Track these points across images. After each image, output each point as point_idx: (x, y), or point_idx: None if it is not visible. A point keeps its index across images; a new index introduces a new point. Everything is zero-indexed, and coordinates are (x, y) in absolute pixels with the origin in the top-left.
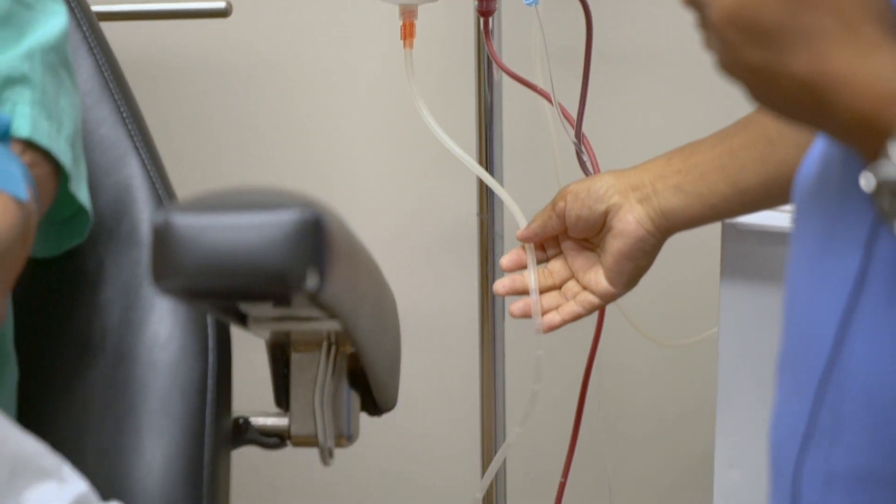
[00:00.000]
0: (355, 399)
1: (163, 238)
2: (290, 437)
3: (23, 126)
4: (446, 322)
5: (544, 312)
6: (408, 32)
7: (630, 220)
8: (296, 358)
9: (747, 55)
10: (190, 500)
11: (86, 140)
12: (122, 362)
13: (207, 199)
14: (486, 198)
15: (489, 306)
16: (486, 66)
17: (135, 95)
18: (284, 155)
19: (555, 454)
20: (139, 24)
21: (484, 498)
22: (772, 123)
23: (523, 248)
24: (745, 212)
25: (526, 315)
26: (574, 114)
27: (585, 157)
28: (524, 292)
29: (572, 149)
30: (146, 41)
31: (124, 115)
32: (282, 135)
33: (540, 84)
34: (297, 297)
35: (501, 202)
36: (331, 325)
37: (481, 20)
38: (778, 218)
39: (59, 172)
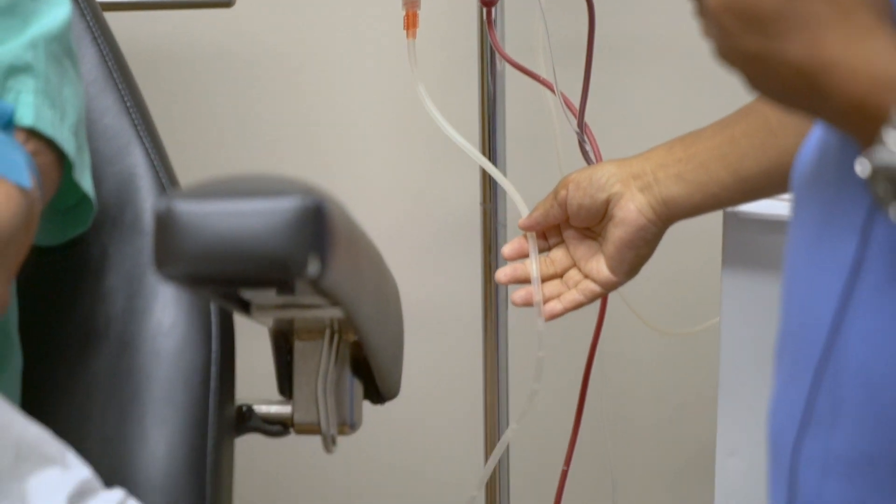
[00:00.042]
0: (358, 387)
1: (165, 225)
2: (293, 425)
3: (26, 115)
4: (449, 311)
5: (546, 301)
6: (411, 22)
7: (631, 209)
8: (299, 346)
9: (744, 42)
10: (193, 488)
11: (89, 129)
12: (125, 350)
13: (209, 186)
14: (489, 187)
15: (492, 295)
16: (489, 56)
17: (139, 85)
18: (288, 145)
19: (557, 443)
20: (143, 14)
21: (487, 486)
22: (772, 112)
23: (525, 236)
24: (747, 200)
25: (528, 303)
26: (576, 104)
27: (588, 147)
28: (526, 281)
29: (575, 138)
30: (150, 31)
31: (128, 104)
32: (285, 125)
33: (543, 74)
34: (299, 284)
35: (504, 192)
36: (333, 313)
37: (484, 10)
38: (779, 206)
39: (62, 161)
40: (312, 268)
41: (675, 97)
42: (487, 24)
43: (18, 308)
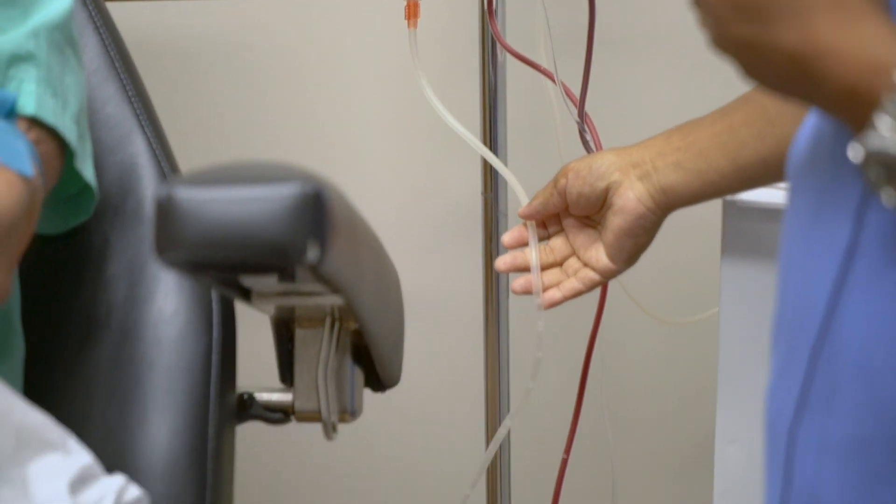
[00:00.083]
0: (359, 375)
1: (165, 211)
2: (293, 413)
3: (28, 103)
4: (450, 300)
5: (545, 289)
6: (412, 12)
7: (630, 197)
8: (300, 334)
9: (737, 30)
10: (194, 475)
11: (91, 119)
12: (127, 338)
13: (210, 172)
14: (490, 177)
15: (493, 284)
16: (490, 47)
17: (141, 75)
18: (289, 135)
19: (558, 432)
20: (144, 3)
21: (488, 474)
22: (771, 101)
23: (525, 225)
24: (745, 188)
25: (527, 291)
26: (577, 93)
27: (588, 137)
28: (525, 269)
29: (575, 128)
30: (151, 21)
31: (130, 93)
32: (286, 115)
33: (543, 64)
34: (299, 270)
35: (505, 181)
36: (333, 300)
37: (485, 0)
38: (778, 195)
39: (64, 149)
40: (312, 254)
41: (674, 87)
42: (488, 15)
43: (21, 296)
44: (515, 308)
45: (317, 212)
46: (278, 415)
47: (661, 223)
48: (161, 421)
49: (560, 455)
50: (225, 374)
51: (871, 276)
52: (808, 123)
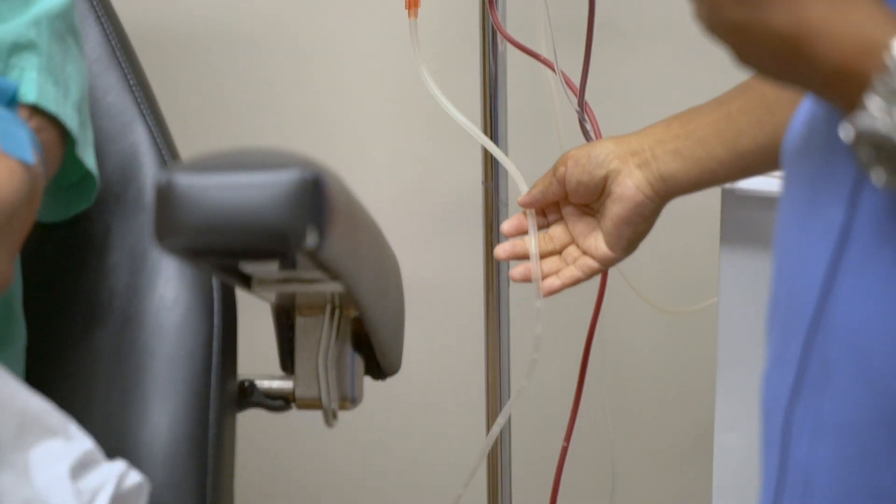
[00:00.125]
0: (359, 362)
1: (165, 197)
2: (294, 400)
3: (30, 91)
4: (451, 289)
5: (544, 277)
6: (413, 2)
7: (629, 185)
8: (300, 322)
9: (730, 13)
10: (195, 461)
11: (93, 107)
12: (128, 325)
13: (209, 159)
14: (491, 166)
15: (494, 274)
16: (491, 36)
17: (142, 64)
18: (289, 124)
19: (558, 420)
20: None
21: (489, 461)
22: (769, 89)
23: (524, 213)
24: (744, 176)
25: (526, 279)
26: (577, 83)
27: (588, 126)
28: (525, 257)
29: (575, 117)
30: (152, 10)
31: (131, 82)
32: (287, 104)
33: (544, 53)
34: (298, 256)
35: (506, 171)
36: (333, 287)
37: None
38: (777, 184)
39: (65, 137)
40: (310, 239)
41: (674, 76)
42: (489, 4)
43: (23, 284)
44: (516, 297)
45: (316, 197)
46: (279, 402)
47: (659, 211)
48: (162, 408)
49: (560, 443)
50: (226, 362)
51: (865, 258)
52: (802, 111)
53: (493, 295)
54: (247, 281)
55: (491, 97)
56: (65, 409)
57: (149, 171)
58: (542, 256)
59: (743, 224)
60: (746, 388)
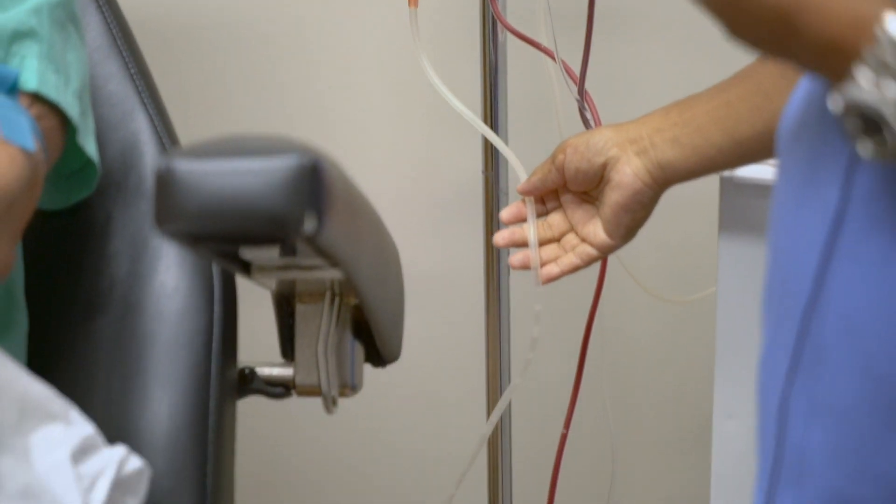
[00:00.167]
0: (359, 350)
1: (165, 183)
2: (294, 387)
3: (30, 79)
4: (452, 279)
5: (543, 264)
6: None
7: (627, 173)
8: (300, 309)
9: None
10: (195, 447)
11: (94, 96)
12: (129, 312)
13: (209, 145)
14: (491, 155)
15: (494, 262)
16: (491, 26)
17: (143, 53)
18: (290, 114)
19: (558, 407)
20: None
21: (489, 448)
22: (767, 76)
23: (523, 201)
24: (742, 163)
25: (525, 266)
26: (577, 71)
27: (588, 114)
28: (523, 244)
29: (575, 106)
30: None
31: (132, 71)
32: (286, 94)
33: (544, 43)
34: (296, 242)
35: (506, 160)
36: (333, 274)
37: None
38: (775, 171)
39: (66, 125)
40: (309, 225)
41: (673, 65)
42: None
43: (24, 271)
44: (516, 286)
45: (314, 183)
46: (279, 389)
47: (657, 199)
48: (162, 394)
49: (560, 430)
50: (226, 349)
51: (859, 240)
52: (797, 95)
53: (493, 284)
54: (247, 268)
55: (491, 86)
56: (66, 396)
57: (149, 160)
58: (541, 244)
59: (742, 212)
60: (745, 375)
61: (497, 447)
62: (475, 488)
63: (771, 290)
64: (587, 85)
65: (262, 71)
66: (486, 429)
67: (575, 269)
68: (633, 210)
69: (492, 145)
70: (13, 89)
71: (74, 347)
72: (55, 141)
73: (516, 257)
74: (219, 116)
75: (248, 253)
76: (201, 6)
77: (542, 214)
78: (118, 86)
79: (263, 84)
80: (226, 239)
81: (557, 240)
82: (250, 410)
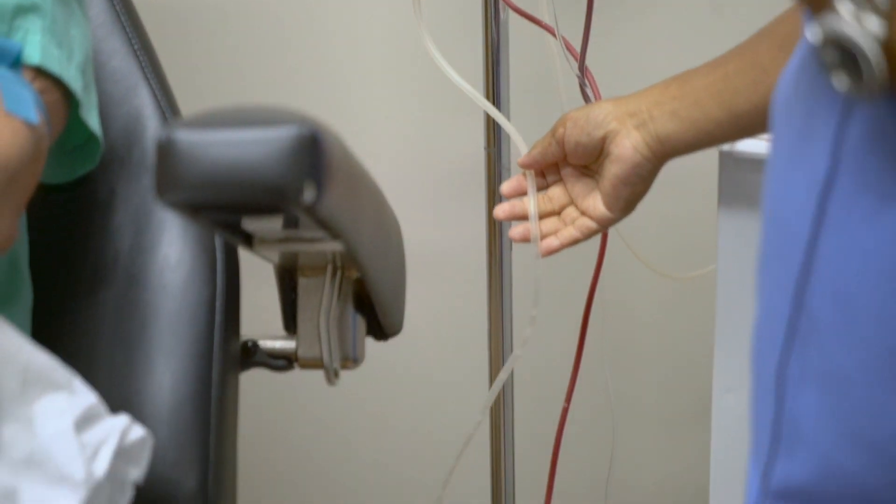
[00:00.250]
0: (361, 323)
1: (166, 153)
2: (297, 360)
3: (33, 53)
4: (454, 254)
5: (543, 237)
6: None
7: (627, 146)
8: (303, 283)
9: None
10: (198, 419)
11: (97, 72)
12: (132, 285)
13: (209, 115)
14: (493, 132)
15: (496, 238)
16: (493, 3)
17: (147, 30)
18: (292, 91)
19: (559, 381)
20: None
21: (491, 422)
22: (765, 50)
23: (524, 174)
24: (740, 137)
25: (525, 239)
26: (578, 48)
27: (589, 90)
28: (524, 217)
29: (576, 82)
30: None
31: (135, 47)
32: (289, 71)
33: (545, 20)
34: (297, 212)
35: (508, 136)
36: (334, 246)
37: None
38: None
39: (69, 99)
40: (308, 194)
41: (673, 40)
42: None
43: (29, 245)
44: (518, 262)
45: (313, 153)
46: (282, 362)
47: (657, 172)
48: (166, 366)
49: (561, 404)
50: (229, 321)
51: (848, 203)
52: (791, 66)
53: (495, 259)
54: (249, 240)
55: (493, 63)
56: (70, 367)
57: (152, 134)
58: (541, 217)
59: (741, 187)
60: (745, 350)
61: (499, 420)
62: (477, 461)
63: (765, 260)
64: (588, 61)
65: (263, 48)
66: (488, 398)
67: (575, 241)
68: (632, 183)
69: (494, 121)
70: (16, 63)
71: (78, 320)
72: (58, 115)
73: (516, 230)
74: (223, 92)
75: (249, 224)
76: None
77: (542, 188)
78: (121, 62)
79: (264, 61)
80: (225, 208)
81: (558, 213)
82: (252, 382)
